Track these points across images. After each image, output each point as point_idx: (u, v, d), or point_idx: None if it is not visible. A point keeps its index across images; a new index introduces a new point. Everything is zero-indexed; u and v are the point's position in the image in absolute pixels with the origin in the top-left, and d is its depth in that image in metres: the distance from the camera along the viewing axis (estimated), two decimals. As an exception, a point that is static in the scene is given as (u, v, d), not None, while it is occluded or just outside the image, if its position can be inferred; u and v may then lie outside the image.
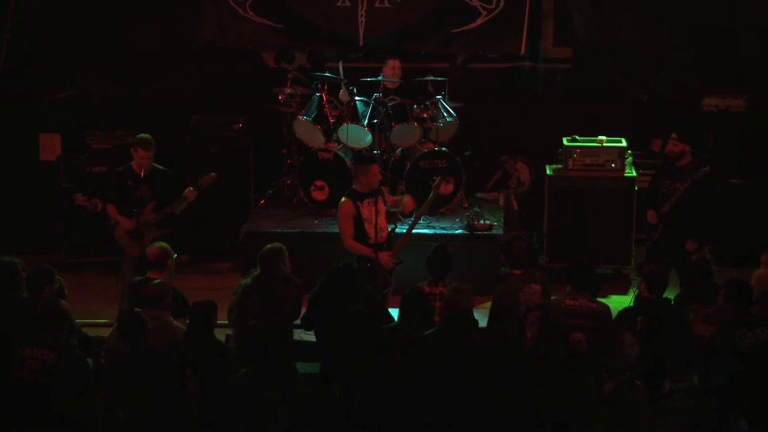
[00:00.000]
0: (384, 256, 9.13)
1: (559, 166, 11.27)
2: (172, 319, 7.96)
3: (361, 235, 9.13)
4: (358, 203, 9.12)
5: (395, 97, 11.47)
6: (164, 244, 8.65)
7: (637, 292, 8.46)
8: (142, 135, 9.79)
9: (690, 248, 9.60)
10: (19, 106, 12.18)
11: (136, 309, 7.75)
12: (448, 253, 8.48)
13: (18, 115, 12.12)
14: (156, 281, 8.15)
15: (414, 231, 9.59)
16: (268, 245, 8.60)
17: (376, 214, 9.13)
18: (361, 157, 9.87)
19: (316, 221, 11.21)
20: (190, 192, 9.70)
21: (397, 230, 9.33)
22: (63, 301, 7.90)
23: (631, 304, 8.52)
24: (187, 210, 9.86)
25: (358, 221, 9.10)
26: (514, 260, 8.33)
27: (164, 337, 7.71)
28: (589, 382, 7.28)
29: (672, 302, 8.15)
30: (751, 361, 7.21)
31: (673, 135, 9.89)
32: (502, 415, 7.09)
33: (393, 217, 10.07)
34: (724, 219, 10.26)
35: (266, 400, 6.59)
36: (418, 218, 9.61)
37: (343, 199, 9.19)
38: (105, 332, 8.20)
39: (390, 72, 11.58)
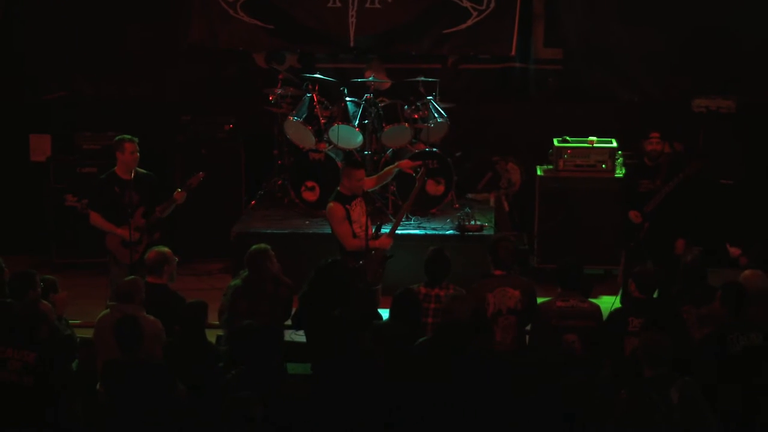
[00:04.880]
0: (383, 239, 9.10)
1: (550, 166, 11.29)
2: (146, 314, 7.80)
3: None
4: (347, 206, 9.09)
5: (383, 99, 11.45)
6: (163, 249, 8.54)
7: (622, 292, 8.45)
8: (122, 135, 9.59)
9: (680, 248, 9.59)
10: (9, 106, 12.17)
11: (109, 303, 7.75)
12: (446, 256, 8.34)
13: (8, 115, 12.10)
14: (128, 278, 8.06)
15: (405, 232, 9.53)
16: (254, 246, 8.56)
17: (361, 214, 9.12)
18: (351, 159, 9.77)
19: (307, 222, 11.21)
20: (179, 194, 9.57)
21: (382, 230, 9.29)
22: (44, 302, 7.82)
23: (618, 304, 8.50)
24: (175, 211, 9.74)
25: (349, 222, 9.08)
26: (499, 262, 8.26)
27: None
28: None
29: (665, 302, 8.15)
30: (741, 365, 7.19)
31: (655, 133, 9.88)
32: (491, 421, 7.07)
33: (378, 216, 10.04)
34: (712, 218, 10.28)
35: (242, 402, 6.57)
36: (405, 209, 9.53)
37: (330, 203, 9.13)
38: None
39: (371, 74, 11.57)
